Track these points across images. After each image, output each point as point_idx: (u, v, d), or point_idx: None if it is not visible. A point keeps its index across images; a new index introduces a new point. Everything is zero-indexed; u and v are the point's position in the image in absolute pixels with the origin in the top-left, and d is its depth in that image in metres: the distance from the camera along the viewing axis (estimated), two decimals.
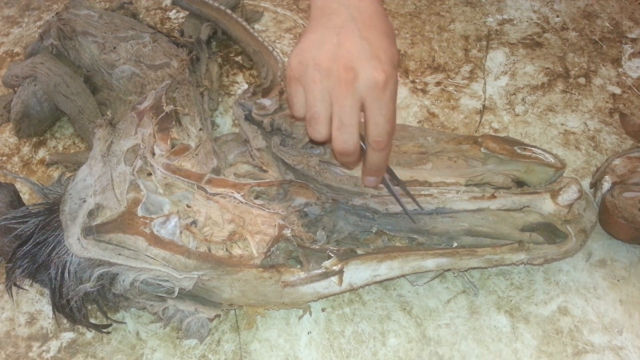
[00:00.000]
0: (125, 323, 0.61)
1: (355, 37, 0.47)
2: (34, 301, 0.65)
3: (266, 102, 0.69)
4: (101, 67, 0.79)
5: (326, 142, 0.51)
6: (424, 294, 0.65)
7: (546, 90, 0.85)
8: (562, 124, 0.81)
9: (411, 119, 0.81)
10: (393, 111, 0.48)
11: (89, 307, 0.61)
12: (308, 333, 0.62)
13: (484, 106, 0.83)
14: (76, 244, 0.53)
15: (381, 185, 0.63)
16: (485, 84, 0.86)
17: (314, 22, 0.50)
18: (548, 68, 0.88)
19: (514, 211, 0.62)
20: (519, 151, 0.67)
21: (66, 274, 0.53)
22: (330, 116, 0.48)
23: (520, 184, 0.68)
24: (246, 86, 0.87)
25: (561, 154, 0.78)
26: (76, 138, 0.81)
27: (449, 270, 0.60)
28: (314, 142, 0.59)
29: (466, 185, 0.66)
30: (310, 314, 0.62)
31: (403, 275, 0.58)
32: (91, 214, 0.55)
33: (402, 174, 0.68)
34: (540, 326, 0.63)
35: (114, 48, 0.80)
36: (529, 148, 0.68)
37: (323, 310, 0.63)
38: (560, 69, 0.88)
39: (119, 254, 0.52)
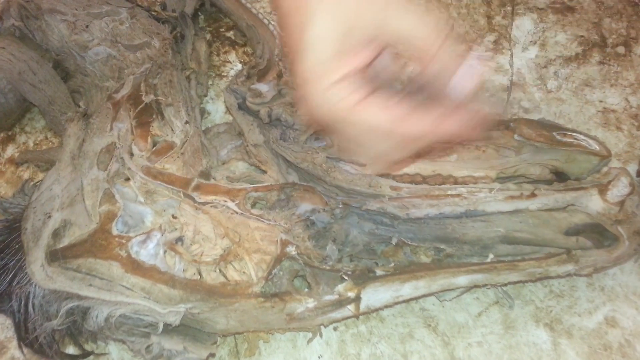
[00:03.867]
0: (108, 354, 0.53)
1: None
2: (4, 327, 0.56)
3: (262, 87, 0.60)
4: (72, 50, 0.69)
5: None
6: (451, 307, 0.56)
7: (581, 61, 0.75)
8: (601, 101, 0.71)
9: None
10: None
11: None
12: (319, 357, 0.53)
13: (511, 82, 0.73)
14: (39, 272, 0.44)
15: (400, 186, 0.54)
16: (512, 56, 0.75)
17: None
18: (582, 36, 0.77)
19: (557, 211, 0.53)
20: (558, 137, 0.58)
21: (30, 308, 0.44)
22: None
23: (559, 175, 0.59)
24: (240, 66, 0.77)
25: (600, 135, 0.68)
26: (49, 132, 0.72)
27: (483, 286, 0.52)
28: None
29: (497, 179, 0.57)
30: (321, 335, 0.54)
31: (430, 294, 0.50)
32: (57, 233, 0.46)
33: (422, 167, 0.59)
34: (586, 341, 0.54)
35: (86, 27, 0.70)
36: (569, 134, 0.59)
37: (335, 329, 0.55)
38: (596, 37, 0.77)
39: (90, 285, 0.44)
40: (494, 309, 0.56)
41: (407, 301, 0.50)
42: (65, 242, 0.46)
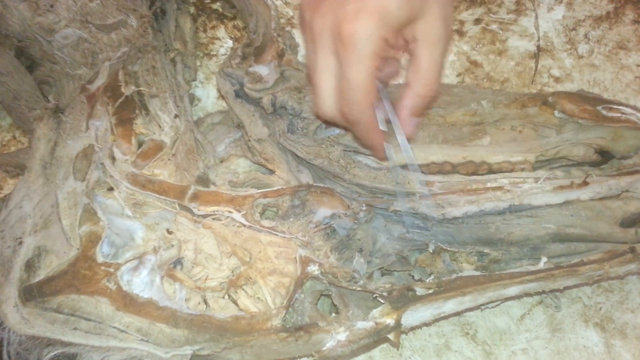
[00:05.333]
0: None
1: None
2: None
3: (262, 70, 0.51)
4: (37, 34, 0.60)
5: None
6: (490, 311, 0.50)
7: (613, 21, 0.67)
8: (638, 65, 0.64)
9: (448, 72, 0.63)
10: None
11: None
12: None
13: (538, 47, 0.65)
14: (13, 315, 0.37)
15: (431, 180, 0.47)
16: (536, 17, 0.67)
17: None
18: None
19: (610, 199, 0.47)
20: (604, 112, 0.51)
21: (5, 356, 0.37)
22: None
23: (602, 154, 0.52)
24: (230, 43, 0.68)
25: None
26: (17, 130, 0.63)
27: (535, 293, 0.45)
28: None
29: (537, 162, 0.50)
30: None
31: (476, 308, 0.43)
32: (30, 264, 0.38)
33: (451, 154, 0.51)
34: None
35: (51, 6, 0.61)
36: (615, 107, 0.52)
37: None
38: None
39: (75, 329, 0.36)
40: (538, 309, 0.50)
41: (448, 317, 0.43)
42: (41, 274, 0.38)
